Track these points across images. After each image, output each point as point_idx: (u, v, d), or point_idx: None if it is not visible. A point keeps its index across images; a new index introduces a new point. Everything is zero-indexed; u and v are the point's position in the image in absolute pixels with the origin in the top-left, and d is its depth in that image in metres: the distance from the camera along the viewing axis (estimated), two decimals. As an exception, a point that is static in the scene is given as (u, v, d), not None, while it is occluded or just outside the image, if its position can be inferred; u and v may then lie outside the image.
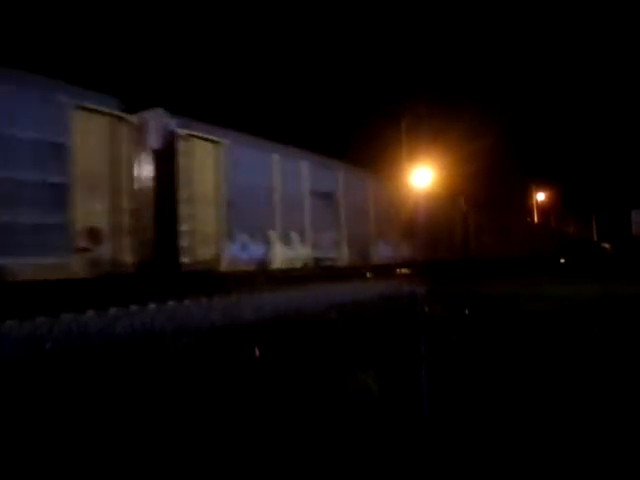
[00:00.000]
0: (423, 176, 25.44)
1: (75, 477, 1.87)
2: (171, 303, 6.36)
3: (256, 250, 8.29)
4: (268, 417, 2.40)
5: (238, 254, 7.91)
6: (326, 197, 10.35)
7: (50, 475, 1.89)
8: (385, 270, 12.95)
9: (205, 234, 7.40)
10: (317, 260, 9.82)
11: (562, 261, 29.40)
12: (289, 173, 9.29)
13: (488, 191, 33.67)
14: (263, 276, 8.51)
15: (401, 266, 13.95)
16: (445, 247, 16.08)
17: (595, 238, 53.10)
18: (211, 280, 7.47)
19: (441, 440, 2.11)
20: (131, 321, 5.27)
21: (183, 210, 6.99)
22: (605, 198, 54.91)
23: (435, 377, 3.04)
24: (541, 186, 45.52)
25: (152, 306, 6.01)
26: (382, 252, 12.48)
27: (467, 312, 5.91)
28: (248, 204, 8.18)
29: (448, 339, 4.13)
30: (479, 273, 16.31)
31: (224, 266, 7.63)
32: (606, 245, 45.72)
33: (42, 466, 1.94)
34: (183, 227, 6.96)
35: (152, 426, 2.32)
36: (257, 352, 3.74)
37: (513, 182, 43.38)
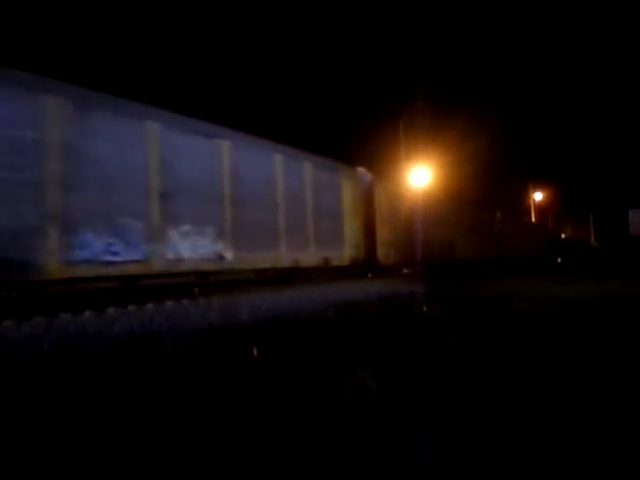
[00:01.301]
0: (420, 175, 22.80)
1: (74, 478, 1.85)
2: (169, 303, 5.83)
3: None
4: (267, 417, 2.36)
5: None
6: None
7: (49, 476, 1.87)
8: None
9: None
10: None
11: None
12: None
13: (483, 190, 32.47)
14: None
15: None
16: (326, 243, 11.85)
17: (593, 237, 52.06)
18: None
19: (439, 440, 2.07)
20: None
21: None
22: (603, 198, 54.03)
23: (433, 376, 2.98)
24: (539, 185, 45.22)
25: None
26: (197, 251, 7.84)
27: (465, 312, 5.78)
28: None
29: (446, 339, 4.05)
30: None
31: None
32: (595, 244, 44.77)
33: (41, 467, 1.91)
34: None
35: (151, 427, 2.28)
36: (255, 352, 3.60)
37: (510, 181, 42.54)
